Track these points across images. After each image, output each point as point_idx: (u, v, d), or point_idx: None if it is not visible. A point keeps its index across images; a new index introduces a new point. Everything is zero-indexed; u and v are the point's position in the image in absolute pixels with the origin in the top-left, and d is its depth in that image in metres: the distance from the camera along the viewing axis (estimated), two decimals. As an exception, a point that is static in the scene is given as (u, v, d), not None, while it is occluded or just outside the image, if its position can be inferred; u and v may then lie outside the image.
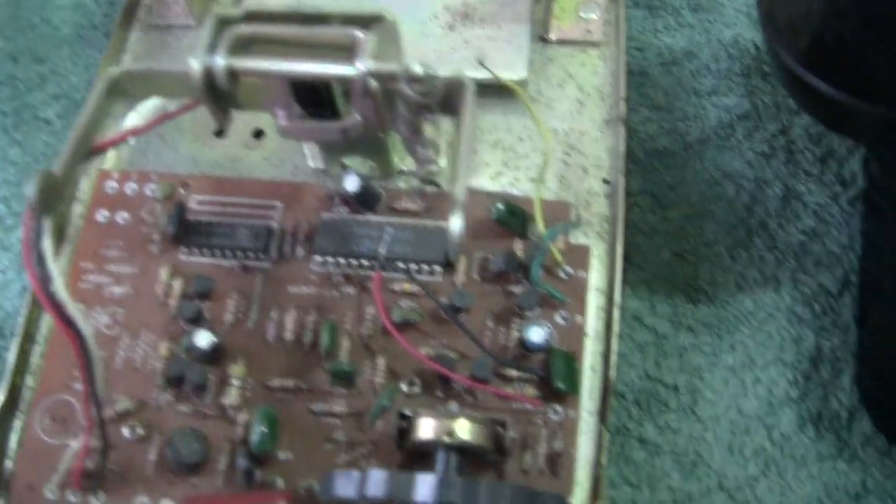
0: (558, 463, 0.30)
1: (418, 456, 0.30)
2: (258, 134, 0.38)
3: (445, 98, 0.30)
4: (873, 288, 0.36)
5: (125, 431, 0.31)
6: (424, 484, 0.26)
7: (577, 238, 0.35)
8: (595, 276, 0.34)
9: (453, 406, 0.31)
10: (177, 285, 0.33)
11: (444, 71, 0.30)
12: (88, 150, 0.31)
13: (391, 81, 0.29)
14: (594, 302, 0.34)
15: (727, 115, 0.41)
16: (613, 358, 0.33)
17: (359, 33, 0.30)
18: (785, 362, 0.36)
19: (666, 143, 0.41)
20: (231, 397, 0.31)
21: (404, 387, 0.31)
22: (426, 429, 0.29)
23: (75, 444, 0.31)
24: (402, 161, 0.36)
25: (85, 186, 0.37)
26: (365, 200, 0.34)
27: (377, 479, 0.26)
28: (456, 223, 0.29)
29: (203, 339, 0.31)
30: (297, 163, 0.37)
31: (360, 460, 0.30)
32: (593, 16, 0.40)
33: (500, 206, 0.33)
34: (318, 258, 0.33)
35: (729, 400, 0.36)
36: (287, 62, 0.30)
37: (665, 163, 0.41)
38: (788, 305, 0.37)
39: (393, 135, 0.34)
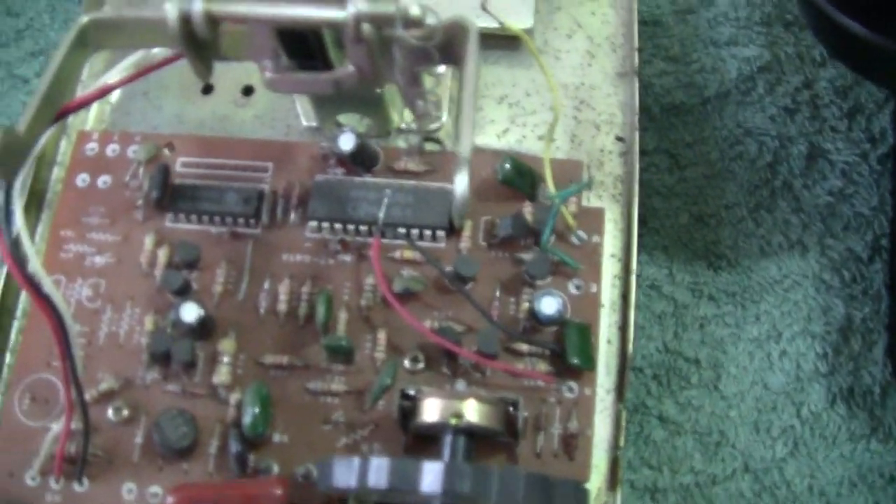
0: (573, 445, 0.30)
1: (424, 437, 0.29)
2: (248, 91, 0.37)
3: (446, 44, 0.29)
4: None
5: (109, 412, 0.30)
6: (431, 472, 0.25)
7: (590, 200, 0.34)
8: (609, 242, 0.33)
9: (460, 384, 0.30)
10: (162, 254, 0.33)
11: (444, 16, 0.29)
12: (58, 108, 0.30)
13: (387, 25, 0.28)
14: (609, 269, 0.33)
15: (747, 67, 0.41)
16: (631, 330, 0.32)
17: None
18: (813, 334, 0.36)
19: (682, 97, 0.41)
20: (221, 375, 0.31)
21: (407, 363, 0.31)
22: (431, 411, 0.28)
23: (56, 427, 0.30)
24: (402, 117, 0.35)
25: (64, 148, 0.36)
26: (362, 160, 0.33)
27: (379, 468, 0.25)
28: (460, 184, 0.29)
29: (190, 312, 0.30)
30: (289, 122, 0.36)
31: (360, 443, 0.30)
32: (603, -40, 0.39)
33: (507, 164, 0.32)
34: (312, 224, 0.32)
35: (754, 375, 0.35)
36: (271, 6, 0.28)
37: (682, 119, 0.40)
38: (816, 272, 0.37)
39: (391, 88, 0.32)
